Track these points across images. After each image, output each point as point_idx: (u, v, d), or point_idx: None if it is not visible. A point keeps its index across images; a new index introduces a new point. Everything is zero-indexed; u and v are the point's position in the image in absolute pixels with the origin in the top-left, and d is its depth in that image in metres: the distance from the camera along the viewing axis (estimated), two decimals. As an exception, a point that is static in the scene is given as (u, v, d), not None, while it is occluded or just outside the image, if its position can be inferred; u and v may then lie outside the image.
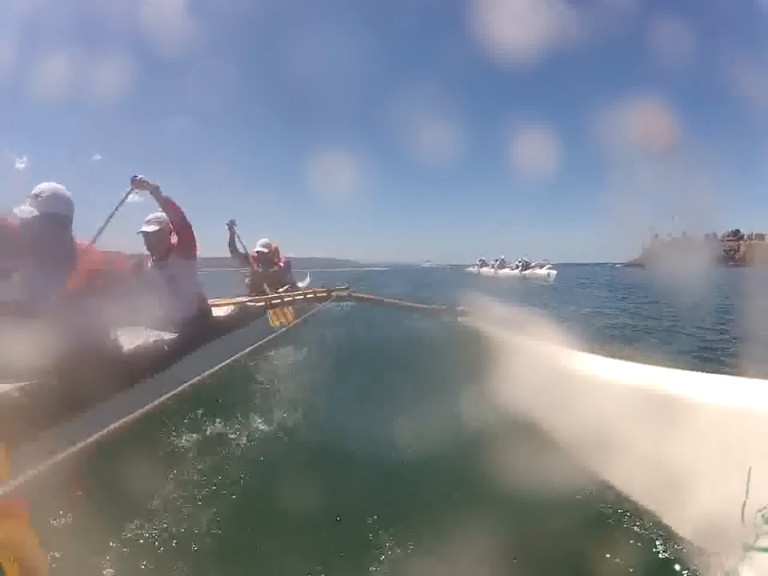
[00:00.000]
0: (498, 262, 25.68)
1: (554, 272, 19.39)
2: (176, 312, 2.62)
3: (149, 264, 2.88)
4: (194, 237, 2.82)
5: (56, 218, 1.81)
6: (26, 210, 1.74)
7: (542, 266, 20.77)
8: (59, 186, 1.86)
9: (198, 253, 2.91)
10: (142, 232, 2.77)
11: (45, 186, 1.82)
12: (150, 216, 2.81)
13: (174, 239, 2.82)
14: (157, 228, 2.77)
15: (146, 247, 2.84)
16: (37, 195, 1.79)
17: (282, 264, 5.11)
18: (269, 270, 4.88)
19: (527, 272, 21.21)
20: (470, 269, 28.73)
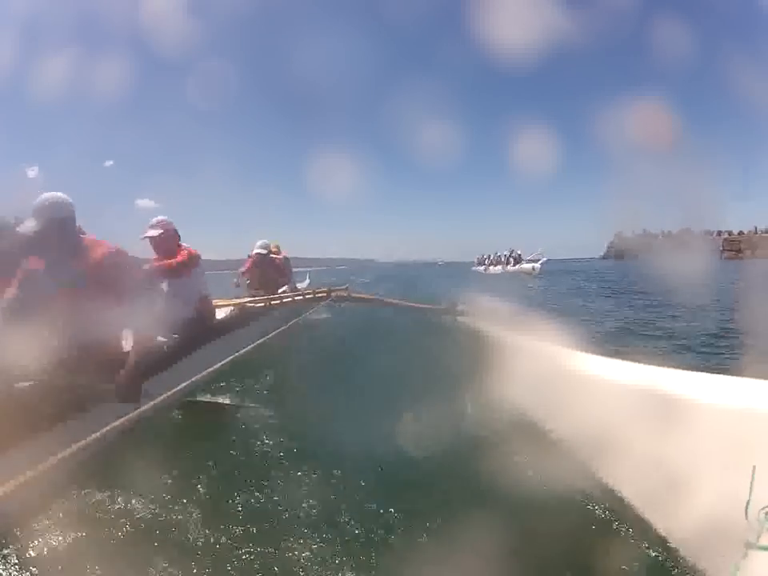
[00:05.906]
0: (490, 258, 26.68)
1: (538, 266, 20.78)
2: (180, 313, 2.64)
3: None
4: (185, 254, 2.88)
5: (55, 222, 1.89)
6: (27, 227, 1.84)
7: (536, 260, 21.91)
8: (56, 193, 1.96)
9: (200, 257, 2.95)
10: (147, 237, 2.80)
11: (43, 197, 1.92)
12: (153, 220, 2.84)
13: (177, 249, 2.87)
14: (160, 231, 2.81)
15: (153, 250, 2.87)
16: (36, 209, 1.89)
17: (280, 263, 5.10)
18: (268, 271, 4.88)
19: (515, 267, 22.40)
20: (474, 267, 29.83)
